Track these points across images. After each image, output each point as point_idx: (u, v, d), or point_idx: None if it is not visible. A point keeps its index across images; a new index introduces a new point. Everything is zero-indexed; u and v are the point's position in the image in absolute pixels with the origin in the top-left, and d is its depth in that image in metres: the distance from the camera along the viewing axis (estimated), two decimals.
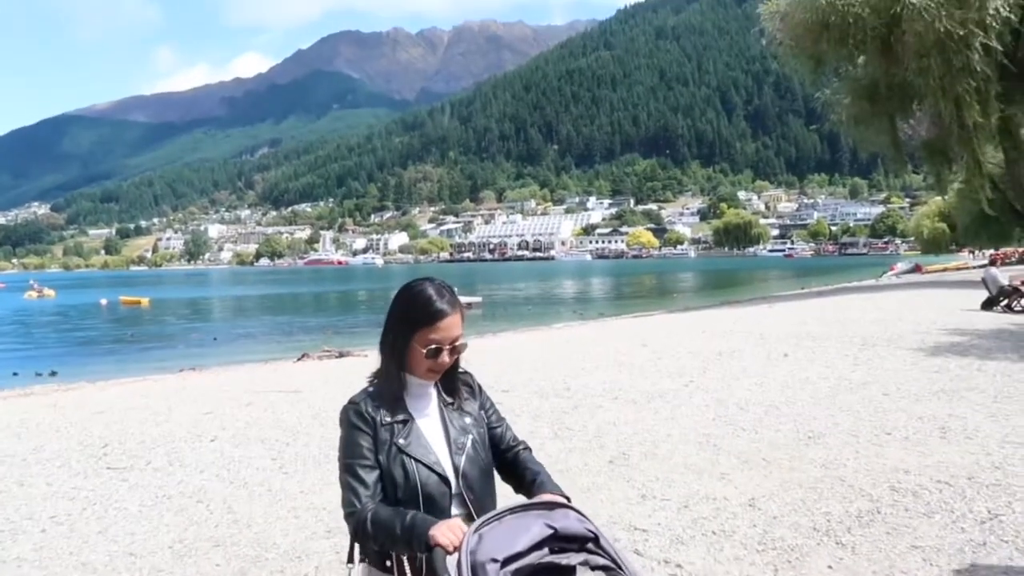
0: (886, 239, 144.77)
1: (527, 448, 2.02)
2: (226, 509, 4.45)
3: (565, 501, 1.65)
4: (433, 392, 1.86)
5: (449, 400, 1.86)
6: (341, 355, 14.39)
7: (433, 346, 1.74)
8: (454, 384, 1.89)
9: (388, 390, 1.78)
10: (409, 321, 1.76)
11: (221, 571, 3.56)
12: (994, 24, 19.86)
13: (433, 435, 1.80)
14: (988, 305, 16.14)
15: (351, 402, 1.78)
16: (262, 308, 41.90)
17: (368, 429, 1.74)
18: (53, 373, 15.62)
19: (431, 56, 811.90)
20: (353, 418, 1.75)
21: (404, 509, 1.65)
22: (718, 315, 19.97)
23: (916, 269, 44.33)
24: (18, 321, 35.67)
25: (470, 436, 1.84)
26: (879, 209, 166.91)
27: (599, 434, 5.88)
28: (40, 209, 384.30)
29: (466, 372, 1.95)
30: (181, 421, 7.22)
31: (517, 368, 10.13)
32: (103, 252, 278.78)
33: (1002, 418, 5.86)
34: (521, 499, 1.73)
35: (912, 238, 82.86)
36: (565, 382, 8.55)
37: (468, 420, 1.86)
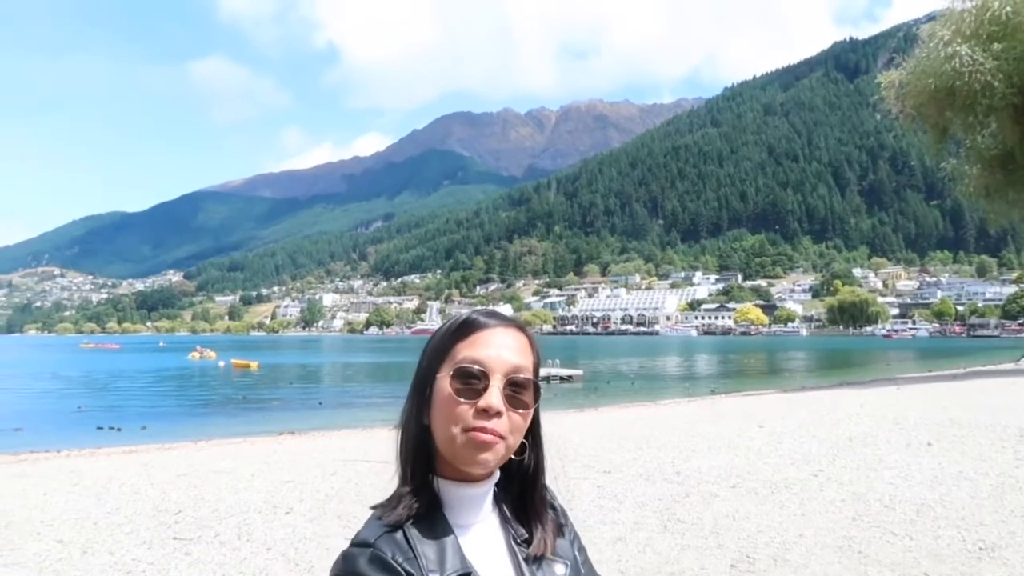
0: (1021, 320, 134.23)
1: None
2: None
3: None
4: (493, 518, 1.07)
5: (522, 535, 1.07)
6: None
7: (465, 366, 0.99)
8: (534, 503, 1.09)
9: (414, 510, 0.99)
10: (431, 359, 1.05)
11: None
12: None
13: None
14: None
15: (361, 544, 0.96)
16: (369, 375, 42.44)
17: None
18: (119, 429, 16.39)
19: (539, 135, 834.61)
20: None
21: None
22: (839, 396, 18.37)
23: None
24: (144, 380, 37.47)
25: None
26: (1011, 289, 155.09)
27: (717, 530, 5.05)
28: (174, 277, 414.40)
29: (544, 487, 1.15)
30: (261, 489, 6.85)
31: (619, 446, 9.33)
32: (227, 318, 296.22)
33: None
34: None
35: None
36: (674, 464, 7.70)
37: (559, 570, 1.06)
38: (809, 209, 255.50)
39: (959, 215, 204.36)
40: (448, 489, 1.01)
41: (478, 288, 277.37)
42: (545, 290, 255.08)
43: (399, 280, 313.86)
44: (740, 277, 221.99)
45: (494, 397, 0.96)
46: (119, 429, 16.41)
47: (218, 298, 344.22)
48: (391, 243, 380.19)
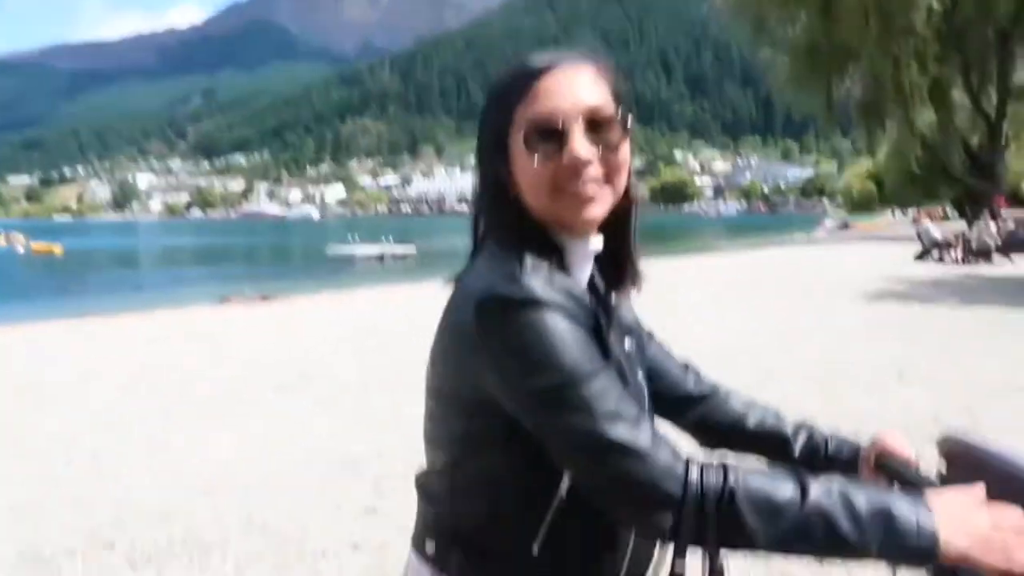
0: (815, 199, 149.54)
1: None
2: (92, 462, 3.77)
3: None
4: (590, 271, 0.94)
5: (611, 291, 0.96)
6: (265, 298, 14.05)
7: (533, 126, 0.84)
8: (629, 260, 0.94)
9: (555, 264, 0.84)
10: (494, 127, 0.90)
11: (75, 534, 2.90)
12: None
13: None
14: (922, 257, 16.46)
15: (534, 300, 0.78)
16: (191, 258, 40.23)
17: (588, 326, 0.81)
18: None
19: (371, 10, 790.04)
20: (565, 301, 0.79)
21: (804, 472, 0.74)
22: (656, 265, 19.73)
23: (845, 226, 45.33)
24: None
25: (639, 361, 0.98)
26: (809, 172, 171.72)
27: None
28: None
29: None
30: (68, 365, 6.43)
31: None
32: (24, 201, 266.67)
33: (958, 361, 5.58)
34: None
35: (840, 199, 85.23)
36: None
37: (627, 344, 0.96)
38: (637, 95, 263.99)
39: (771, 103, 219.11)
40: (571, 246, 0.89)
41: (309, 169, 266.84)
42: (379, 171, 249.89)
43: (222, 160, 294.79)
44: None
45: (578, 147, 0.83)
46: None
47: (11, 179, 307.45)
48: (212, 121, 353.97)
